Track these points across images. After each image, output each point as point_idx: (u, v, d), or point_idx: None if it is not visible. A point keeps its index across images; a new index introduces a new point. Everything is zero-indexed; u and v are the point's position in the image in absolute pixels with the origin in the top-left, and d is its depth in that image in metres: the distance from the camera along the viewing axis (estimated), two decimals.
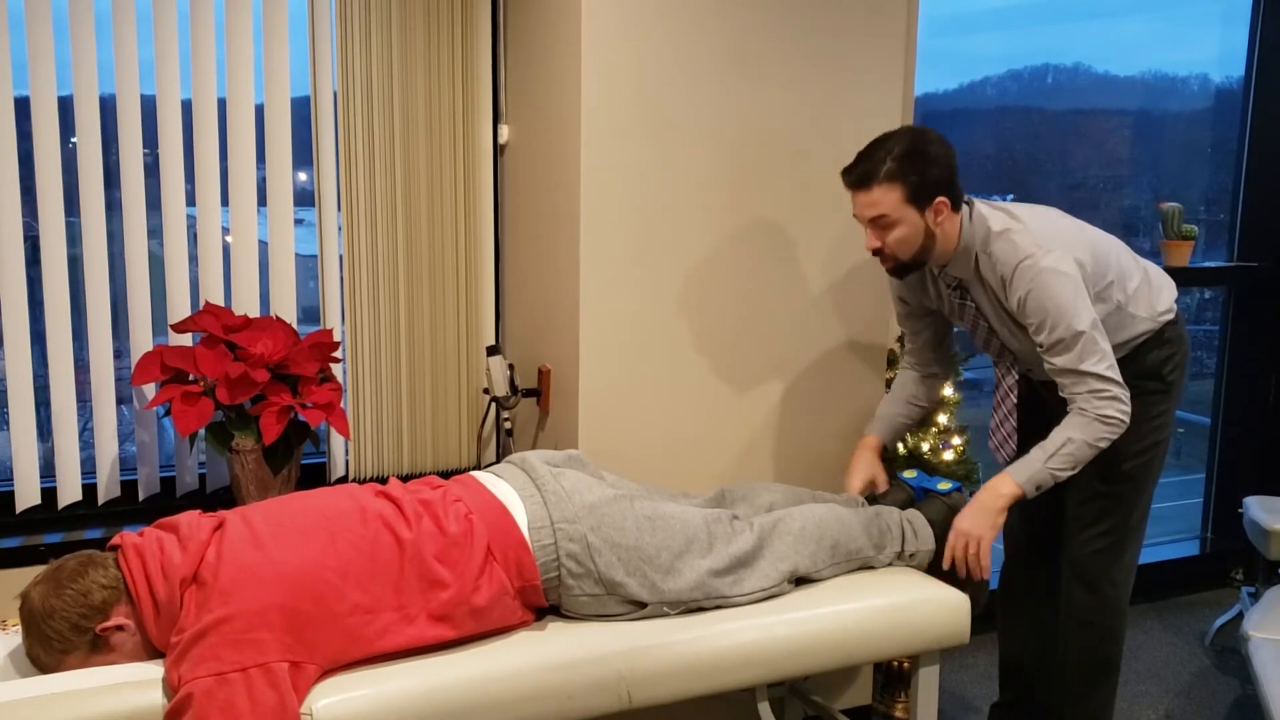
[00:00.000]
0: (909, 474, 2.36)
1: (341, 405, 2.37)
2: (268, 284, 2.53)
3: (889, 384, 2.60)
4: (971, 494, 2.21)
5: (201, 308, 2.41)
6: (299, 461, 2.44)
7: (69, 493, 2.42)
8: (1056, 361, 2.10)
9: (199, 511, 1.82)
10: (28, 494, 2.38)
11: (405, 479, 1.98)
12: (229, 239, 2.49)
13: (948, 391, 2.79)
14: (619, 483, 2.07)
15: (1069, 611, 2.41)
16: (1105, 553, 2.34)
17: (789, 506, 2.16)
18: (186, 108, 2.40)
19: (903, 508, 2.28)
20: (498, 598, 1.80)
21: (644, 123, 2.29)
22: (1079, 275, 2.08)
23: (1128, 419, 2.09)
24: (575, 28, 2.23)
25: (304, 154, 2.52)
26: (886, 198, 2.06)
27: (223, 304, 2.49)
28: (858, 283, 2.57)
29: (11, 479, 2.38)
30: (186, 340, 2.44)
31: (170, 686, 1.60)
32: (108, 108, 2.35)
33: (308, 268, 2.65)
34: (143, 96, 2.36)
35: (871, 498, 2.36)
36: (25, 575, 2.26)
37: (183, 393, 2.26)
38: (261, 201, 2.49)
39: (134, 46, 2.34)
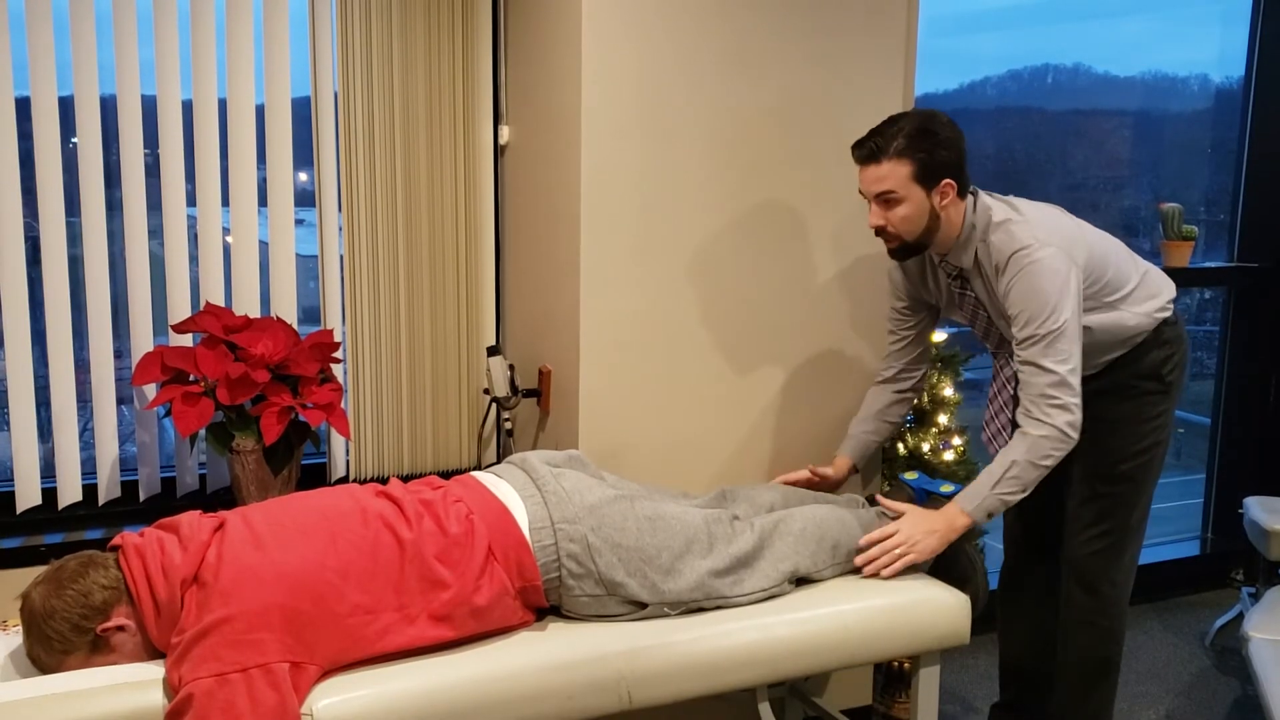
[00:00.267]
0: (910, 475, 2.36)
1: (342, 406, 2.37)
2: (268, 284, 2.53)
3: None
4: None
5: (202, 308, 2.41)
6: (299, 462, 2.44)
7: (69, 493, 2.42)
8: (1023, 354, 2.09)
9: (199, 512, 1.82)
10: (28, 494, 2.38)
11: (406, 479, 1.98)
12: (229, 239, 2.49)
13: (948, 392, 2.80)
14: (619, 483, 2.07)
15: (1068, 612, 2.41)
16: (1104, 553, 2.34)
17: (790, 507, 2.16)
18: (187, 108, 2.40)
19: None
20: (498, 598, 1.80)
21: (644, 123, 2.29)
22: (1070, 274, 2.07)
23: (1075, 433, 2.06)
24: (575, 28, 2.23)
25: (304, 154, 2.52)
26: (894, 173, 2.06)
27: (223, 304, 2.49)
28: (859, 283, 2.57)
29: (12, 479, 2.38)
30: (187, 340, 2.44)
31: (171, 687, 1.60)
32: (108, 108, 2.35)
33: (308, 268, 2.65)
34: (143, 97, 2.36)
35: (873, 500, 2.36)
36: (26, 576, 2.25)
37: (183, 393, 2.26)
38: (262, 202, 2.49)
39: (134, 47, 2.34)
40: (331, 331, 2.49)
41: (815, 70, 2.43)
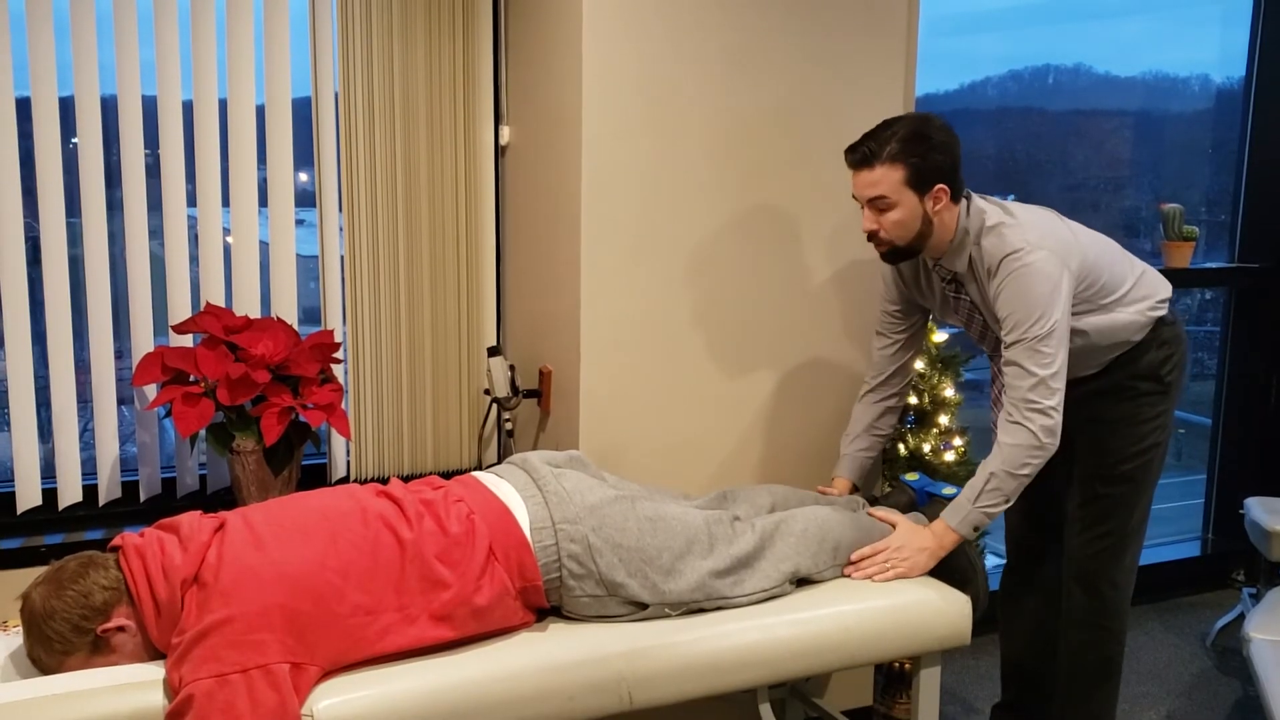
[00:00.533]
0: (912, 477, 2.36)
1: (342, 406, 2.37)
2: (269, 285, 2.53)
3: None
4: None
5: (202, 308, 2.41)
6: (300, 462, 2.44)
7: (70, 493, 2.42)
8: (1008, 354, 2.09)
9: (200, 512, 1.81)
10: (28, 495, 2.38)
11: (406, 480, 1.97)
12: (230, 239, 2.49)
13: (949, 393, 2.79)
14: (620, 484, 2.07)
15: (1070, 613, 2.41)
16: (1105, 554, 2.34)
17: (790, 508, 2.16)
18: (187, 108, 2.40)
19: (905, 510, 2.28)
20: (499, 598, 1.80)
21: (645, 124, 2.29)
22: (1061, 278, 2.06)
23: (1051, 439, 2.05)
24: (576, 28, 2.23)
25: (305, 155, 2.52)
26: (887, 178, 2.05)
27: (224, 305, 2.49)
28: (859, 284, 2.56)
29: (12, 480, 2.38)
30: (187, 341, 2.44)
31: (171, 687, 1.60)
32: (109, 108, 2.35)
33: (309, 268, 2.65)
34: (144, 97, 2.36)
35: (874, 500, 2.36)
36: (26, 576, 2.24)
37: (183, 394, 2.26)
38: (262, 202, 2.49)
39: (135, 47, 2.33)
40: (332, 332, 2.49)
41: (816, 71, 2.43)
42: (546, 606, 1.90)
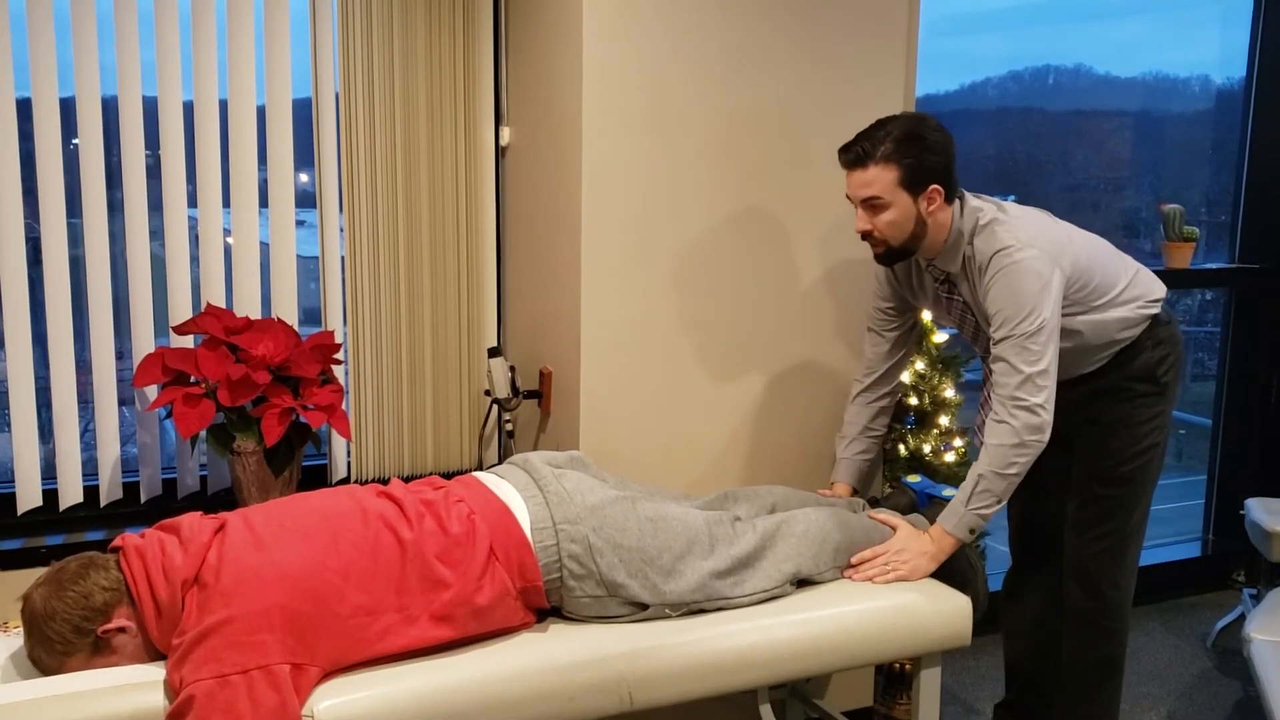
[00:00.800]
0: (913, 478, 2.36)
1: (343, 407, 2.37)
2: (269, 285, 2.53)
3: None
4: None
5: (203, 309, 2.41)
6: (300, 463, 2.44)
7: (70, 494, 2.42)
8: (996, 351, 2.08)
9: (200, 513, 1.82)
10: (29, 495, 2.38)
11: (407, 480, 1.98)
12: (230, 240, 2.49)
13: (949, 393, 2.79)
14: (621, 484, 2.07)
15: (1071, 614, 2.41)
16: (1106, 555, 2.34)
17: (791, 509, 2.16)
18: (188, 109, 2.40)
19: (905, 512, 2.28)
20: (500, 598, 1.80)
21: (645, 125, 2.29)
22: (1052, 277, 2.06)
23: (1037, 436, 2.04)
24: (576, 29, 2.23)
25: (305, 155, 2.52)
26: (881, 178, 2.05)
27: (224, 305, 2.49)
28: (859, 284, 2.56)
29: (13, 480, 2.38)
30: (188, 342, 2.44)
31: (172, 688, 1.60)
32: (109, 109, 2.35)
33: (309, 269, 2.65)
34: (144, 98, 2.36)
35: (875, 501, 2.36)
36: (26, 577, 2.25)
37: (184, 394, 2.26)
38: (263, 203, 2.49)
39: (135, 48, 2.34)
40: (332, 333, 2.49)
41: (816, 71, 2.43)
42: (547, 607, 1.90)
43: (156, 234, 2.44)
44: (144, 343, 2.44)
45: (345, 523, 1.77)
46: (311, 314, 2.68)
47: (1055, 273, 2.07)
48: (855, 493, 2.40)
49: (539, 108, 2.47)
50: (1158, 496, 2.38)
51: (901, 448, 2.77)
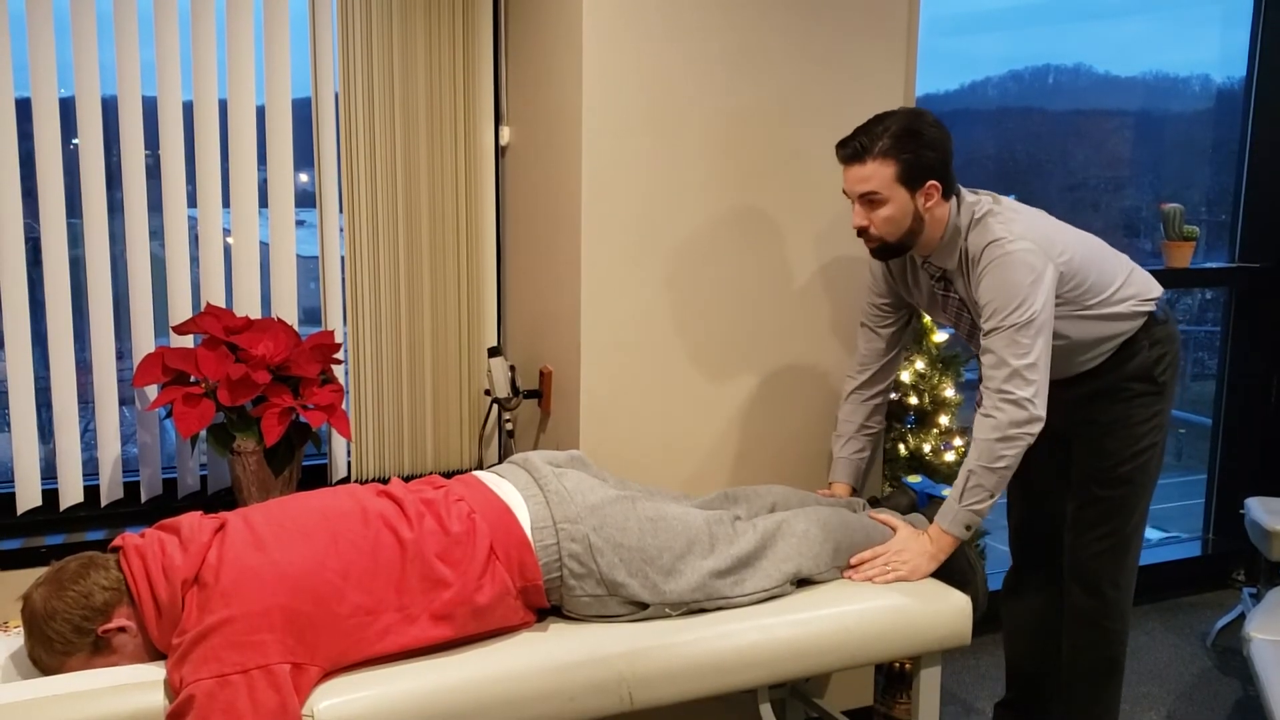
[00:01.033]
0: (913, 479, 2.36)
1: (343, 407, 2.37)
2: (269, 285, 2.53)
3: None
4: None
5: (203, 309, 2.41)
6: (300, 463, 2.44)
7: (70, 494, 2.42)
8: (985, 342, 2.07)
9: (200, 513, 1.82)
10: (29, 495, 2.38)
11: (407, 480, 1.98)
12: (230, 240, 2.49)
13: (949, 393, 2.79)
14: (621, 483, 2.07)
15: (1072, 614, 2.40)
16: (1106, 556, 2.34)
17: (791, 508, 2.16)
18: (188, 109, 2.40)
19: (905, 512, 2.28)
20: (500, 597, 1.80)
21: (645, 124, 2.29)
22: (1045, 271, 2.05)
23: (1024, 430, 2.03)
24: (576, 29, 2.23)
25: (305, 155, 2.52)
26: (878, 174, 2.05)
27: (224, 305, 2.49)
28: (862, 284, 2.56)
29: (13, 480, 2.38)
30: (188, 342, 2.44)
31: (172, 688, 1.60)
32: (109, 109, 2.35)
33: (309, 269, 2.65)
34: (144, 98, 2.36)
35: (875, 501, 2.36)
36: (27, 577, 2.25)
37: (184, 394, 2.26)
38: (263, 203, 2.49)
39: (135, 48, 2.34)
40: (332, 332, 2.49)
41: (816, 70, 2.43)
42: (547, 606, 1.90)
43: (156, 234, 2.44)
44: (144, 343, 2.45)
45: (345, 522, 1.77)
46: (311, 314, 2.68)
47: (1048, 267, 2.06)
48: (854, 492, 2.40)
49: (539, 108, 2.47)
50: (1157, 495, 2.38)
51: (901, 447, 2.77)
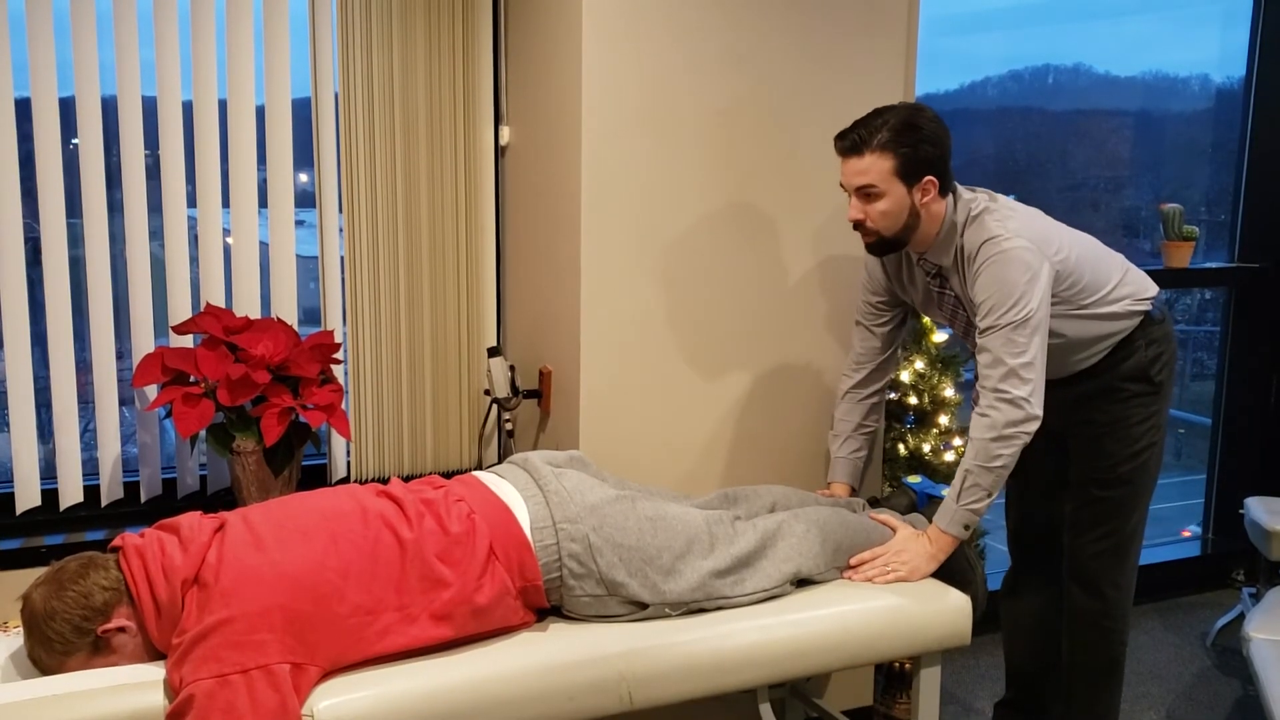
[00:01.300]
0: (913, 479, 2.36)
1: (342, 407, 2.37)
2: (269, 285, 2.53)
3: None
4: None
5: (202, 309, 2.41)
6: (300, 463, 2.44)
7: (70, 494, 2.42)
8: (981, 340, 2.07)
9: (200, 513, 1.82)
10: (28, 495, 2.38)
11: (406, 480, 1.98)
12: (230, 240, 2.49)
13: (949, 393, 2.79)
14: (621, 483, 2.07)
15: (1072, 615, 2.40)
16: (1106, 556, 2.34)
17: (791, 508, 2.16)
18: (187, 109, 2.40)
19: (905, 512, 2.29)
20: (500, 597, 1.80)
21: (645, 124, 2.29)
22: (1041, 269, 2.05)
23: (1020, 429, 2.02)
24: (576, 28, 2.23)
25: (305, 155, 2.52)
26: (876, 167, 2.04)
27: (224, 305, 2.49)
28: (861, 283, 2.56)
29: (12, 480, 2.38)
30: (187, 341, 2.44)
31: (172, 688, 1.60)
32: (109, 109, 2.35)
33: (309, 269, 2.65)
34: (144, 98, 2.36)
35: (875, 501, 2.36)
36: (26, 577, 2.24)
37: (184, 394, 2.26)
38: (262, 203, 2.49)
39: (135, 48, 2.34)
40: (332, 332, 2.49)
41: (816, 70, 2.43)
42: (547, 606, 1.90)
43: (156, 234, 2.44)
44: (144, 343, 2.45)
45: (345, 522, 1.77)
46: (311, 314, 2.68)
47: (1044, 265, 2.06)
48: (854, 492, 2.40)
49: (538, 108, 2.47)
50: (1157, 495, 2.38)
51: (901, 447, 2.77)
